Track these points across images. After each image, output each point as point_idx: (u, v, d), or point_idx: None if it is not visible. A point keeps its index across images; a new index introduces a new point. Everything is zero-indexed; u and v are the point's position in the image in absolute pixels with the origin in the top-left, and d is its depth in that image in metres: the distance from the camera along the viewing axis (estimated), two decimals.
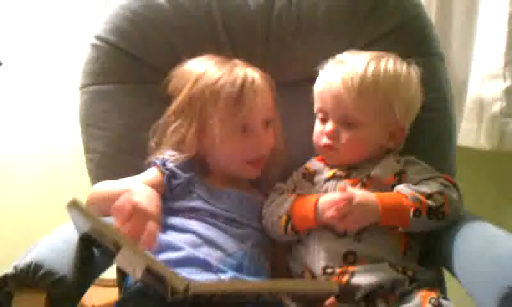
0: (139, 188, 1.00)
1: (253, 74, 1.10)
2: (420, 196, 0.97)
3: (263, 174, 1.15)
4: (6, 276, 0.86)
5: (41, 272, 0.86)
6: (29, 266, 0.86)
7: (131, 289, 0.96)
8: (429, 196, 0.97)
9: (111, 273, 1.13)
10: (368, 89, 1.03)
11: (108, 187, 1.08)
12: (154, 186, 1.06)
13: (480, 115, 1.39)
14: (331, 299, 0.93)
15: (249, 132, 1.09)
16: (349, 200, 0.95)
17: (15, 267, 0.86)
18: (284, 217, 1.04)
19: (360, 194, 0.97)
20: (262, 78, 1.11)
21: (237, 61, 1.13)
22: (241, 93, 1.06)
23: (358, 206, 0.95)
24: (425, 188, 0.98)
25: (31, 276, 0.85)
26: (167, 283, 0.85)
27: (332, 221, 0.97)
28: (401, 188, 0.99)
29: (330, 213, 0.96)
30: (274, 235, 1.07)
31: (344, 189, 0.97)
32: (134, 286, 0.96)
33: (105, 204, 0.98)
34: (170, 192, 1.08)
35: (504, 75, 1.34)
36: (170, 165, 1.08)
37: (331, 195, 1.00)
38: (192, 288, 0.84)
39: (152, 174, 1.09)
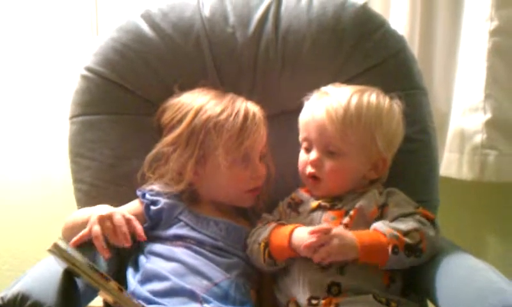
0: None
1: (254, 108, 1.14)
2: (397, 233, 0.98)
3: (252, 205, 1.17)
4: None
5: (28, 303, 0.86)
6: (16, 296, 0.87)
7: None
8: (406, 234, 0.98)
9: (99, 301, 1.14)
10: (351, 120, 1.06)
11: (75, 215, 1.10)
12: (133, 215, 1.07)
13: (462, 146, 1.42)
14: None
15: (249, 163, 1.12)
16: (325, 232, 0.97)
17: (2, 298, 0.87)
18: (262, 245, 1.05)
19: (338, 228, 0.99)
20: (260, 112, 1.15)
21: (233, 95, 1.16)
22: (244, 125, 1.10)
23: (335, 239, 0.96)
24: (402, 226, 0.99)
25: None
26: None
27: (306, 252, 0.98)
28: (379, 226, 1.00)
29: (304, 243, 0.97)
30: (257, 263, 1.08)
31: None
32: None
33: (72, 233, 1.03)
34: (150, 221, 1.10)
35: (484, 108, 1.37)
36: (148, 195, 1.11)
37: (308, 228, 1.01)
38: None
39: (134, 205, 1.12)
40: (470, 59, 1.41)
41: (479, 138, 1.39)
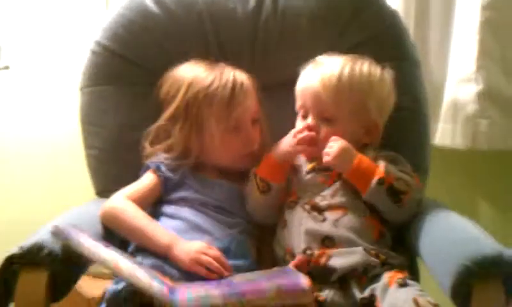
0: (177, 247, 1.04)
1: (242, 77, 1.19)
2: (390, 172, 1.06)
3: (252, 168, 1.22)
4: (12, 255, 0.94)
5: (44, 251, 0.94)
6: (33, 246, 0.94)
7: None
8: (397, 178, 1.06)
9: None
10: (344, 87, 1.12)
11: (129, 219, 1.09)
12: (152, 190, 1.16)
13: (455, 116, 1.48)
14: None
15: (241, 129, 1.18)
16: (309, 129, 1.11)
17: (21, 247, 0.94)
18: (252, 176, 1.15)
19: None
20: (248, 80, 1.20)
21: (223, 65, 1.20)
22: (232, 96, 1.15)
23: (341, 142, 1.07)
24: (397, 172, 1.08)
25: (34, 255, 0.94)
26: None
27: (295, 149, 1.12)
28: (379, 162, 1.08)
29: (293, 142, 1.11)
30: (255, 205, 1.15)
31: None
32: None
33: (120, 231, 1.09)
34: (165, 190, 1.17)
35: (476, 80, 1.43)
36: (164, 169, 1.16)
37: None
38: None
39: (149, 179, 1.17)
40: (463, 33, 1.46)
41: (471, 108, 1.44)
